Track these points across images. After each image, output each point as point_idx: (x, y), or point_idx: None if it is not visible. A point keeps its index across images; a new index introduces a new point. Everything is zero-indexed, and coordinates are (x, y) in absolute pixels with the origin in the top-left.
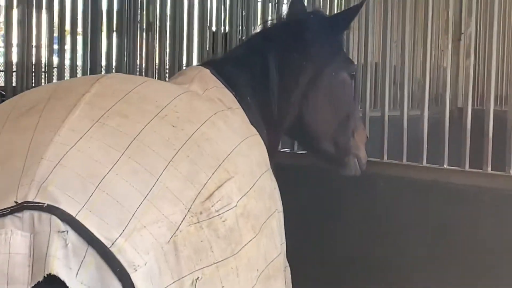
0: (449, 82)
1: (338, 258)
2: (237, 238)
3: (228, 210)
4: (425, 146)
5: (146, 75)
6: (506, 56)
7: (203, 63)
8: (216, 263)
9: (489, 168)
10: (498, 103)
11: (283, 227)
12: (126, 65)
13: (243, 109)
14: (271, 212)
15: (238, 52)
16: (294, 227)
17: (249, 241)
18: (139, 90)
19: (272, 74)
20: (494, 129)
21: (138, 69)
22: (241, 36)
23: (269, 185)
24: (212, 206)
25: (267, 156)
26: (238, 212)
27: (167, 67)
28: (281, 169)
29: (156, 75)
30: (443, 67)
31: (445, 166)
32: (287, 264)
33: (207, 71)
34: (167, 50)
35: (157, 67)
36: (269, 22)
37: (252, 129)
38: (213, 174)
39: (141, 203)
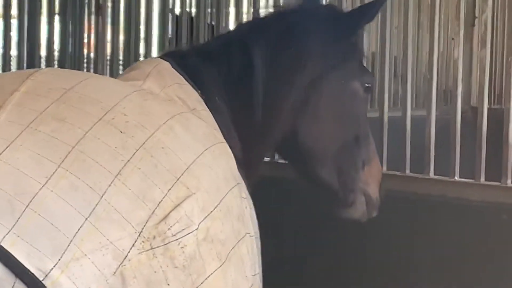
0: (460, 76)
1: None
2: (199, 268)
3: (187, 234)
4: (432, 153)
5: (96, 68)
6: None
7: (162, 54)
8: None
9: (510, 181)
10: None
11: (257, 254)
12: (71, 56)
13: (211, 111)
14: (241, 236)
15: (214, 44)
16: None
17: (214, 271)
18: (80, 88)
19: (257, 72)
20: None
21: (85, 61)
22: (211, 21)
23: (238, 204)
24: (168, 229)
25: (236, 168)
26: (200, 236)
27: (121, 58)
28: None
29: (108, 68)
30: (453, 58)
31: (456, 178)
32: None
33: (167, 64)
34: (121, 38)
35: (108, 58)
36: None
37: (218, 135)
38: (169, 190)
39: (81, 226)
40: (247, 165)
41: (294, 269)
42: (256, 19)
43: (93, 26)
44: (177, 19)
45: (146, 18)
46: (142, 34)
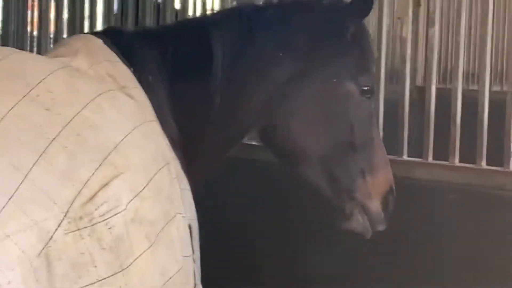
0: (409, 54)
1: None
2: (127, 250)
3: (115, 214)
4: (381, 133)
5: (39, 46)
6: (474, 25)
7: (96, 31)
8: (100, 280)
9: (457, 160)
10: (469, 81)
11: (190, 236)
12: (13, 33)
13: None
14: (171, 217)
15: (168, 27)
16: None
17: (143, 252)
18: (4, 64)
19: (216, 60)
20: (463, 113)
21: (29, 38)
22: (156, 0)
23: (168, 184)
24: (95, 209)
25: (166, 147)
26: (128, 217)
27: (65, 36)
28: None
29: (51, 46)
30: (401, 37)
31: (404, 157)
32: (198, 283)
33: (99, 41)
34: (65, 15)
35: (52, 36)
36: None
37: (148, 114)
38: (97, 169)
39: (5, 206)
40: (193, 148)
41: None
42: (234, 8)
43: (36, 3)
44: None
45: None
46: (86, 12)
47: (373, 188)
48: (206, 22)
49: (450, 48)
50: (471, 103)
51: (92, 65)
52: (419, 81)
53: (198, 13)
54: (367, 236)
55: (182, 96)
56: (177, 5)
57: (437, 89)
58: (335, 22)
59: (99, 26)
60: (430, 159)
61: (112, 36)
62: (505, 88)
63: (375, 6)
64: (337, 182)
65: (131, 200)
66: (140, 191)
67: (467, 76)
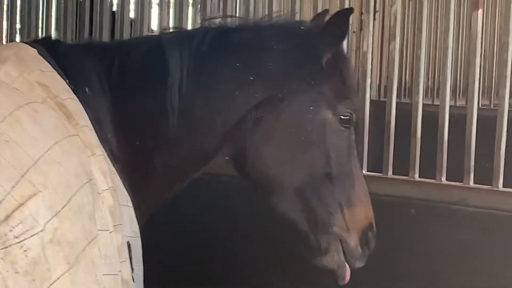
0: (369, 68)
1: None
2: (44, 273)
3: (32, 236)
4: None
5: None
6: (438, 40)
7: (32, 40)
8: None
9: (417, 175)
10: (429, 95)
11: (129, 253)
12: None
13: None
14: (92, 237)
15: (120, 41)
16: None
17: (61, 276)
18: None
19: (173, 78)
20: (423, 128)
21: None
22: (111, 9)
23: (90, 201)
24: (10, 231)
25: (90, 163)
26: (46, 238)
27: None
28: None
29: None
30: (361, 51)
31: (364, 171)
32: None
33: (32, 50)
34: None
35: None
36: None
37: (71, 128)
38: (13, 188)
39: None
40: (143, 164)
41: None
42: (202, 27)
43: None
44: (78, 4)
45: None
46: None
47: (351, 223)
48: (164, 38)
49: (412, 62)
50: (431, 117)
51: (22, 73)
52: (373, 95)
53: (153, 23)
54: (341, 274)
55: (128, 111)
56: (132, 14)
57: (400, 104)
58: (311, 48)
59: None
60: (390, 173)
61: (49, 46)
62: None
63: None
64: (312, 215)
65: (49, 220)
66: (59, 211)
67: (430, 91)
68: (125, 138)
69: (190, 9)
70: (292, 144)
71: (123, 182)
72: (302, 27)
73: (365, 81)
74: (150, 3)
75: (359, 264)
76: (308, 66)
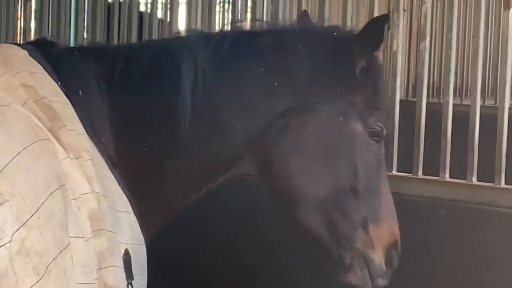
0: (400, 68)
1: None
2: (12, 286)
3: None
4: None
5: None
6: (467, 39)
7: (26, 42)
8: None
9: (447, 176)
10: (457, 95)
11: (129, 260)
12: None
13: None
14: (64, 245)
15: (130, 45)
16: None
17: (30, 287)
18: None
19: (185, 76)
20: (453, 127)
21: None
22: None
23: (62, 208)
24: None
25: (61, 169)
26: (13, 249)
27: None
28: None
29: None
30: (390, 50)
31: (393, 172)
32: None
33: (21, 52)
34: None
35: None
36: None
37: (41, 132)
38: None
39: None
40: (151, 170)
41: None
42: (223, 32)
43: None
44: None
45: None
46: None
47: (376, 240)
48: (175, 41)
49: (441, 62)
50: (462, 117)
51: (2, 74)
52: (402, 95)
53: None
54: None
55: (132, 116)
56: (160, 14)
57: (429, 104)
58: (343, 55)
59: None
60: (420, 174)
61: (43, 48)
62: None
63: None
64: (336, 229)
65: (17, 230)
66: (28, 220)
67: (458, 91)
68: (128, 144)
69: (218, 8)
70: (318, 156)
71: (123, 188)
72: (334, 33)
73: (395, 81)
74: (178, 3)
75: (382, 282)
76: (339, 74)
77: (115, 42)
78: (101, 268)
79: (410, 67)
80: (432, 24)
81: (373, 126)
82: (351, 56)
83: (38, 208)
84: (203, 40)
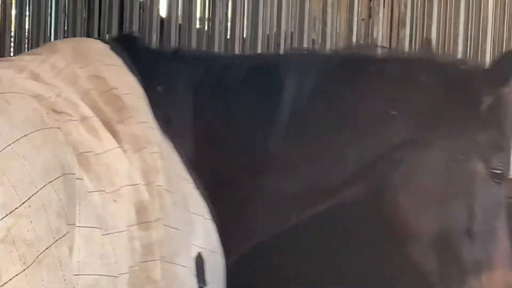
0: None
1: None
2: None
3: None
4: None
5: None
6: (448, 27)
7: (116, 36)
8: None
9: None
10: None
11: (203, 266)
12: None
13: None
14: (61, 234)
15: (222, 54)
16: None
17: (14, 276)
18: None
19: (287, 94)
20: None
21: None
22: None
23: (61, 198)
24: None
25: (70, 157)
26: None
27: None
28: None
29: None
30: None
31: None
32: None
33: (102, 45)
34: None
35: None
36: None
37: (50, 120)
38: None
39: None
40: (241, 186)
41: None
42: (337, 52)
43: None
44: None
45: None
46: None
47: (488, 287)
48: (281, 58)
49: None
50: None
51: (70, 64)
52: None
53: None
54: None
55: (222, 124)
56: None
57: None
58: (469, 89)
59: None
60: None
61: (130, 44)
62: None
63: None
64: (446, 271)
65: (2, 218)
66: (16, 208)
67: None
68: (213, 151)
69: None
70: (433, 193)
71: (202, 193)
72: (461, 66)
73: None
74: None
75: None
76: (463, 110)
77: (96, 25)
78: (146, 261)
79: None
80: (413, 12)
81: (496, 167)
82: (478, 92)
83: (31, 197)
84: (313, 59)
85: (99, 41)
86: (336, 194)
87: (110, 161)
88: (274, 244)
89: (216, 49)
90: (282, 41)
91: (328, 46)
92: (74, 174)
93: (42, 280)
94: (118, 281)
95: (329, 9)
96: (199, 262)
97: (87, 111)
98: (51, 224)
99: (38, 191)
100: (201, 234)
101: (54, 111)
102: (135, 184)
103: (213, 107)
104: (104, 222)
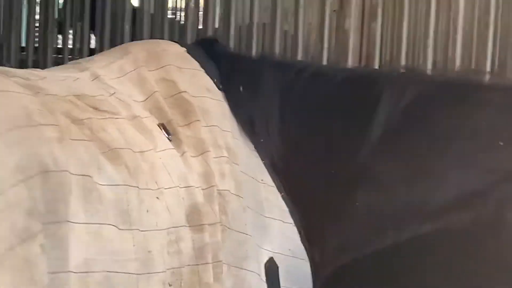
0: (351, 48)
1: None
2: None
3: None
4: None
5: None
6: (419, 18)
7: (198, 40)
8: None
9: None
10: None
11: (276, 270)
12: None
13: (229, 102)
14: (29, 234)
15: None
16: None
17: None
18: None
19: (384, 103)
20: None
21: None
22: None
23: (35, 196)
24: None
25: (51, 153)
26: None
27: None
28: None
29: None
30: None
31: None
32: None
33: (178, 49)
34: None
35: None
36: None
37: (39, 118)
38: None
39: None
40: (334, 199)
41: None
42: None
43: None
44: None
45: None
46: None
47: None
48: (382, 76)
49: (393, 41)
50: None
51: (138, 67)
52: None
53: None
54: None
55: (318, 136)
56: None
57: None
58: None
59: None
60: None
61: (208, 47)
62: None
63: None
64: None
65: None
66: None
67: None
68: (303, 157)
69: None
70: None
71: (284, 196)
72: None
73: (346, 60)
74: None
75: None
76: None
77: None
78: (197, 264)
79: (362, 47)
80: (384, 4)
81: None
82: None
83: None
84: (415, 78)
85: (176, 44)
86: (436, 218)
87: (157, 160)
88: (370, 262)
89: (188, 40)
90: (254, 32)
91: (300, 37)
92: (67, 171)
93: (4, 281)
94: (141, 279)
95: (301, 0)
96: (271, 267)
97: (141, 112)
98: (17, 224)
99: (5, 190)
100: (277, 238)
101: (96, 108)
102: (188, 187)
103: (302, 113)
104: (128, 218)
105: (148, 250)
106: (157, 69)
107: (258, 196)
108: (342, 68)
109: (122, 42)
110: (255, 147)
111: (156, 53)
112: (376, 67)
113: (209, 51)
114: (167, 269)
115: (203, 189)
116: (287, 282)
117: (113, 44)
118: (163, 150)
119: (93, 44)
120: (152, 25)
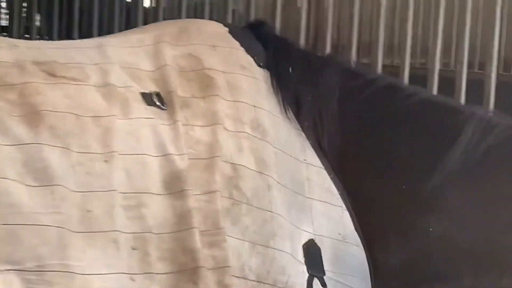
0: (303, 25)
1: None
2: None
3: None
4: None
5: None
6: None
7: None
8: None
9: None
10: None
11: (320, 252)
12: None
13: (275, 81)
14: None
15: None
16: None
17: None
18: None
19: (461, 146)
20: None
21: None
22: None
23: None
24: None
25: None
26: None
27: None
28: None
29: None
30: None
31: None
32: None
33: (217, 28)
34: None
35: None
36: None
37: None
38: None
39: None
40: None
41: None
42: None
43: None
44: None
45: None
46: None
47: None
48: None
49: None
50: None
51: (160, 42)
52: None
53: None
54: None
55: (373, 137)
56: None
57: None
58: None
59: None
60: None
61: (255, 30)
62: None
63: None
64: None
65: None
66: None
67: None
68: (361, 163)
69: None
70: None
71: (333, 178)
72: None
73: (298, 38)
74: None
75: None
76: None
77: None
78: (179, 231)
79: (316, 25)
80: None
81: None
82: None
83: None
84: (497, 123)
85: (218, 24)
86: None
87: (118, 126)
88: None
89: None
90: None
91: (251, 17)
92: (34, 143)
93: None
94: (75, 235)
95: None
96: (310, 249)
97: (126, 80)
98: None
99: None
100: (321, 220)
101: (52, 75)
102: (167, 155)
103: (368, 117)
104: (44, 175)
105: (87, 209)
106: (186, 45)
107: (298, 175)
108: (418, 88)
109: None
110: (301, 127)
111: (188, 31)
112: (328, 45)
113: (257, 33)
114: (127, 232)
115: (200, 159)
116: (334, 267)
117: None
118: (136, 118)
119: None
120: None
